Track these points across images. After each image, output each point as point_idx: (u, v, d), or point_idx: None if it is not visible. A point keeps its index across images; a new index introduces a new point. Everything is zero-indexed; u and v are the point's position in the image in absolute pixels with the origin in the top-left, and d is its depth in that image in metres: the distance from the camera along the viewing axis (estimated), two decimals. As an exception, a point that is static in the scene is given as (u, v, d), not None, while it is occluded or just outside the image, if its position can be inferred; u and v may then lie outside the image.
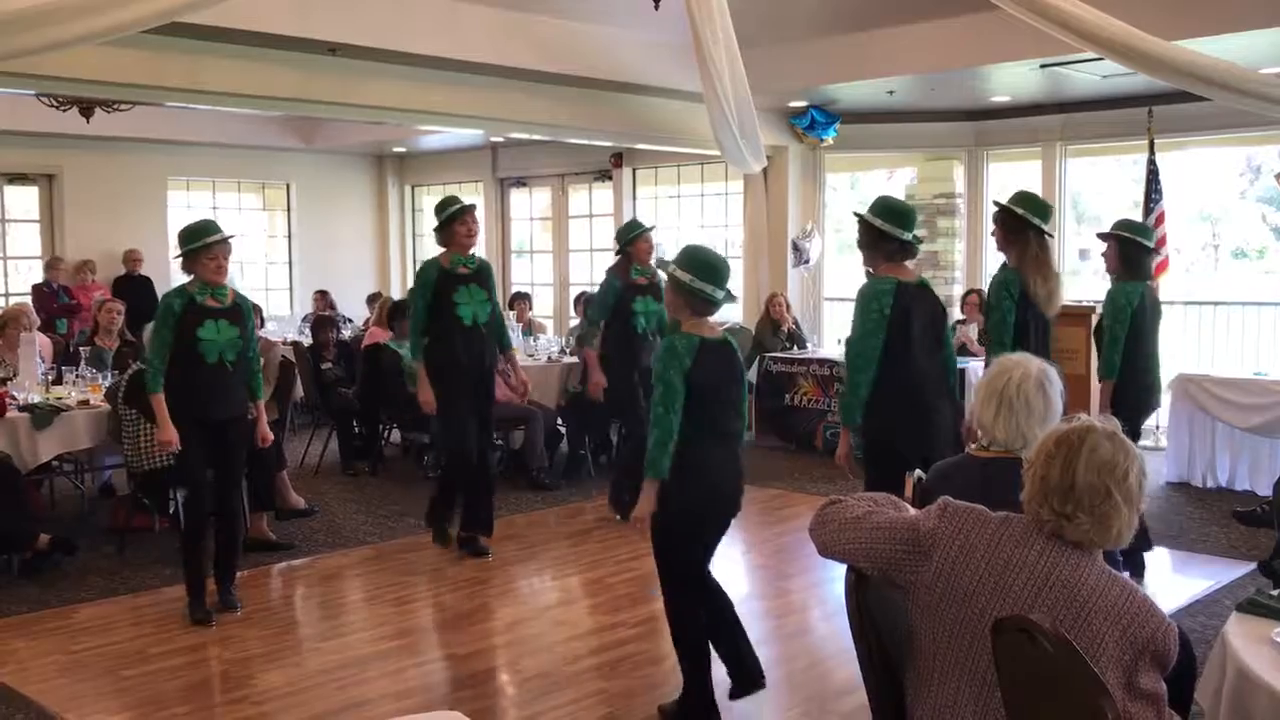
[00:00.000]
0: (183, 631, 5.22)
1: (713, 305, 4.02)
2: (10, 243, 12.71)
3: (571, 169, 13.31)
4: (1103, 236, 5.92)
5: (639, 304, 7.03)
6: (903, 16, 8.28)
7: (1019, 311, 5.11)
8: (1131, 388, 5.71)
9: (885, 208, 4.67)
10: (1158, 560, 6.36)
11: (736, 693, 4.19)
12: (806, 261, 10.95)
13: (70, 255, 11.99)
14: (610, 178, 12.94)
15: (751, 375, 9.73)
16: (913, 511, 2.49)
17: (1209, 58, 6.21)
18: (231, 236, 5.22)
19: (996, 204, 5.35)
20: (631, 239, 7.16)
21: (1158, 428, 9.00)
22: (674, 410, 3.83)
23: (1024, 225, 5.13)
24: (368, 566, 6.33)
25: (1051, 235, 5.21)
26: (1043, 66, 8.25)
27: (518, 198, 14.34)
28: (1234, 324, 10.17)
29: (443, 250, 6.23)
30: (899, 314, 4.52)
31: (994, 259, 11.81)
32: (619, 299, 7.04)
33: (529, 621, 5.38)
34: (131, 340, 8.07)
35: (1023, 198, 5.30)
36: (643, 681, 4.63)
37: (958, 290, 10.70)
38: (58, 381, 7.04)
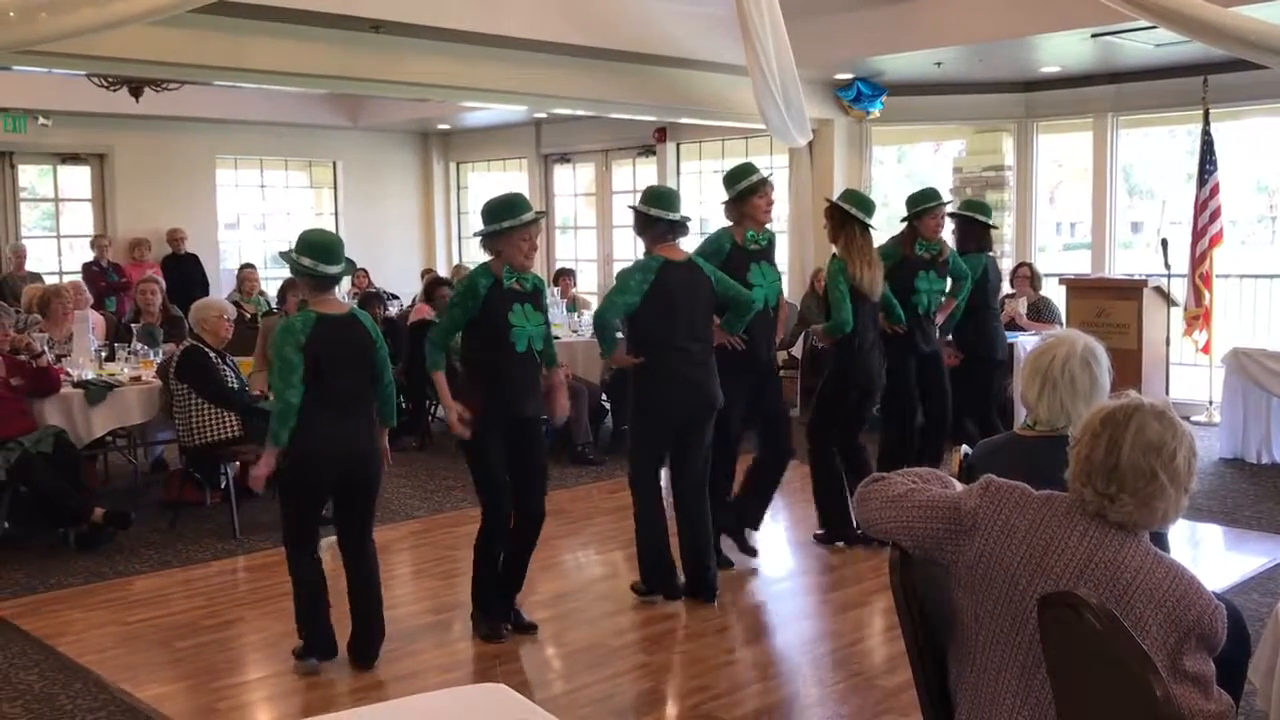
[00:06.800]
0: (234, 604, 5.31)
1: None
2: (63, 222, 12.94)
3: (615, 144, 13.28)
4: (951, 216, 6.69)
5: (922, 281, 6.21)
6: (950, -14, 8.16)
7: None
8: (983, 344, 6.75)
9: (653, 195, 5.13)
10: (1210, 537, 6.28)
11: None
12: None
13: (121, 234, 12.17)
14: (654, 153, 12.89)
15: (796, 350, 9.68)
16: (958, 488, 2.46)
17: (1267, 23, 6.05)
18: (543, 214, 4.77)
19: (827, 200, 6.09)
20: (920, 212, 6.24)
21: (1210, 403, 8.86)
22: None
23: (849, 219, 5.75)
24: (415, 540, 6.41)
25: (874, 228, 5.83)
26: (1094, 36, 8.10)
27: (562, 174, 14.35)
28: (1291, 297, 9.98)
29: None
30: (658, 289, 4.92)
31: (1044, 231, 11.66)
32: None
33: (573, 595, 5.42)
34: (174, 317, 8.19)
35: (850, 195, 5.94)
36: (686, 655, 4.65)
37: (1007, 264, 10.53)
38: (110, 358, 7.15)
